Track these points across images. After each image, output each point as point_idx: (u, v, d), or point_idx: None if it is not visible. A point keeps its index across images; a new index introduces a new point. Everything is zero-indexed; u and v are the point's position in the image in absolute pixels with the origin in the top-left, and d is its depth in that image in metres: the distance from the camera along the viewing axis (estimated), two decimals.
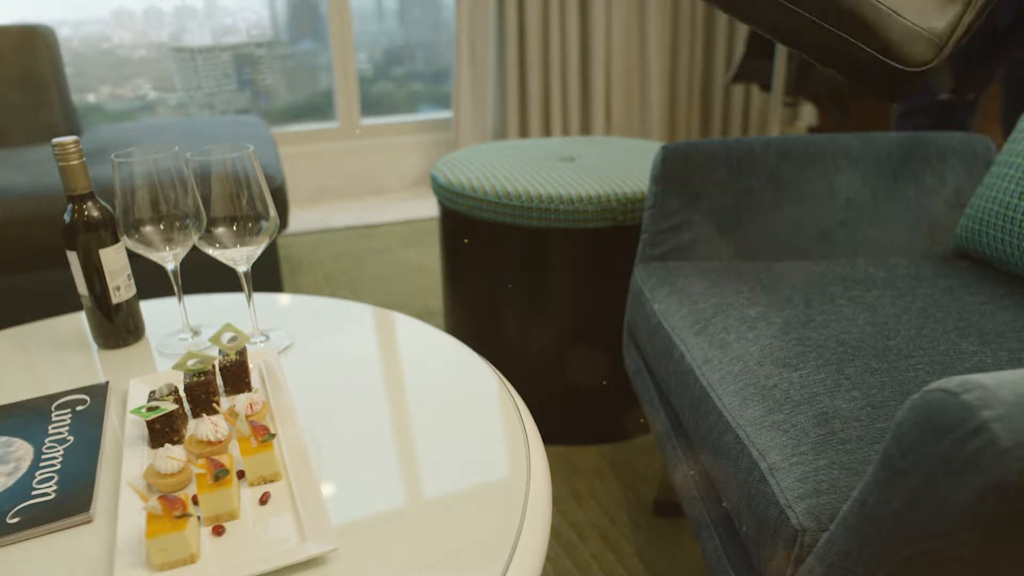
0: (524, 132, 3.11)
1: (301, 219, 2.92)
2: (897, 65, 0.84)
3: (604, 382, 1.45)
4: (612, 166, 1.50)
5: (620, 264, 1.38)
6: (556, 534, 1.27)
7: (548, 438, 1.52)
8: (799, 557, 0.60)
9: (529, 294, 1.41)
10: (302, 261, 2.48)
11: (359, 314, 1.00)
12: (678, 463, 0.91)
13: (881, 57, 0.85)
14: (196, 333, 0.96)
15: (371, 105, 3.32)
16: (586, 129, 3.20)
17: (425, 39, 3.53)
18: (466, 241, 1.42)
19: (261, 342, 0.91)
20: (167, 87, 3.44)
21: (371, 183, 3.20)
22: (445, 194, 1.45)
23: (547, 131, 3.13)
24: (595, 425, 1.50)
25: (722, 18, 3.24)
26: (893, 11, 0.84)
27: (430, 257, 2.47)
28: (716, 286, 1.00)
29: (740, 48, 3.27)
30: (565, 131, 3.13)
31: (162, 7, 3.30)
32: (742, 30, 3.23)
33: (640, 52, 3.17)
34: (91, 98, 3.30)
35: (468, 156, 1.61)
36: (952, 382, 0.47)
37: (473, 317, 1.52)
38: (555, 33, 2.97)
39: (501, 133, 3.13)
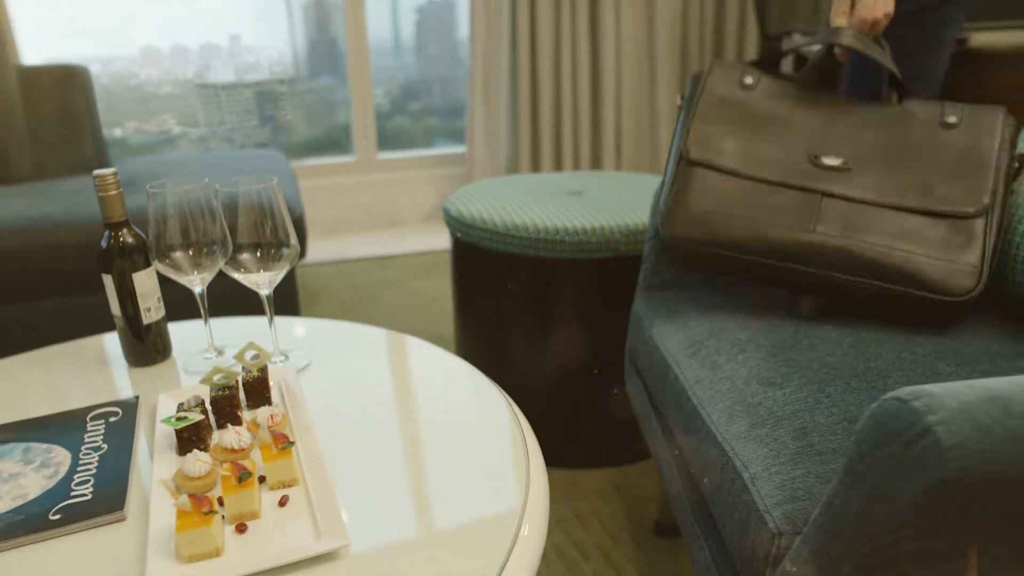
0: (536, 167, 3.19)
1: (318, 250, 3.00)
2: (946, 299, 0.93)
3: (608, 406, 1.50)
4: (618, 199, 1.56)
5: (623, 292, 1.43)
6: (559, 553, 1.31)
7: (554, 461, 1.56)
8: (776, 558, 0.64)
9: (536, 321, 1.47)
10: (319, 290, 2.55)
11: (373, 337, 1.06)
12: (672, 479, 0.95)
13: (930, 296, 0.93)
14: (220, 353, 1.02)
15: (387, 139, 3.42)
16: (597, 163, 3.28)
17: (441, 74, 3.63)
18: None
19: (281, 361, 0.97)
20: (190, 122, 3.55)
21: (387, 215, 3.28)
22: (457, 226, 1.52)
23: (558, 166, 3.21)
24: (600, 448, 1.54)
25: (730, 57, 3.32)
26: (924, 255, 0.93)
27: (442, 287, 2.54)
28: (710, 311, 1.05)
29: None
30: (576, 165, 3.20)
31: (188, 45, 3.42)
32: None
33: (650, 89, 3.25)
34: (117, 132, 3.42)
35: (480, 189, 1.68)
36: (904, 391, 0.52)
37: (482, 343, 1.58)
38: (566, 70, 3.06)
39: (514, 167, 3.21)
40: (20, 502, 0.71)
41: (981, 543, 0.52)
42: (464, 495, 0.70)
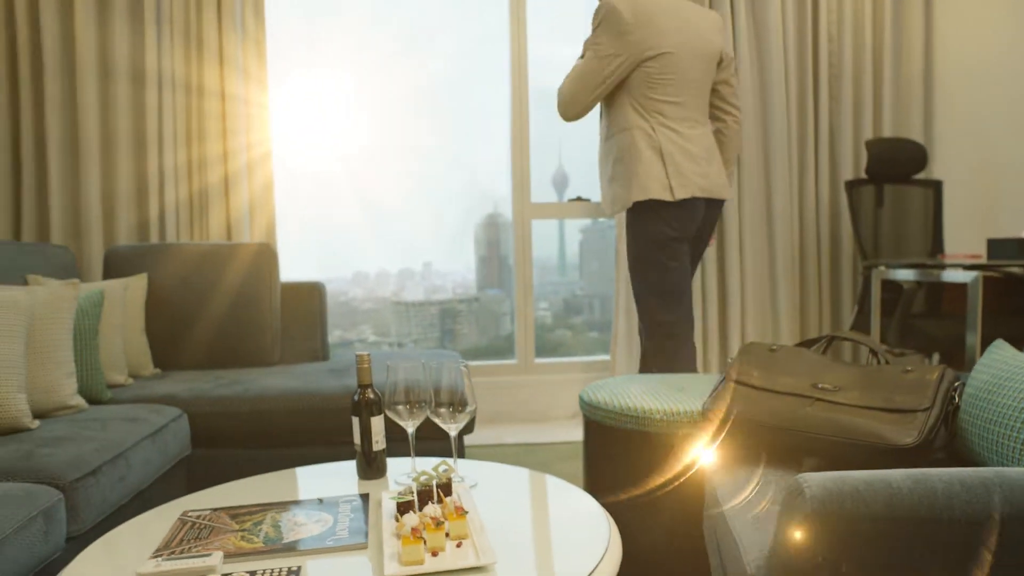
0: None
1: (480, 435, 3.53)
2: (898, 445, 1.37)
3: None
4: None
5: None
6: None
7: None
8: None
9: (645, 485, 1.89)
10: None
11: (523, 474, 1.54)
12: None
13: (884, 444, 1.38)
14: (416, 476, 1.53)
15: (549, 349, 4.01)
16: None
17: (602, 291, 4.26)
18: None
19: (459, 480, 1.47)
20: (384, 332, 4.36)
21: (539, 411, 3.80)
22: (587, 408, 2.01)
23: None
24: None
25: (847, 286, 3.73)
26: (882, 425, 1.39)
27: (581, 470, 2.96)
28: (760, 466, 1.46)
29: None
30: (706, 370, 3.62)
31: (390, 270, 4.29)
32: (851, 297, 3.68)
33: (772, 313, 3.69)
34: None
35: (609, 383, 2.17)
36: (800, 476, 0.94)
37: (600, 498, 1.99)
38: (696, 295, 3.59)
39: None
40: (312, 535, 1.23)
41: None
42: (564, 552, 1.15)
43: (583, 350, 4.11)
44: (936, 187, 3.45)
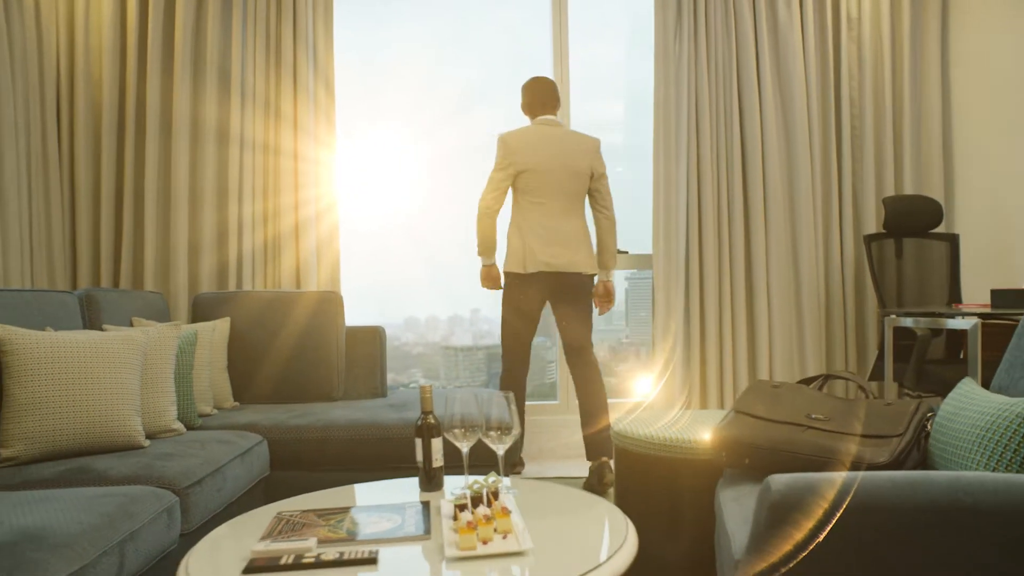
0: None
1: (523, 470, 3.78)
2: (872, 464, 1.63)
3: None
4: None
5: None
6: None
7: None
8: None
9: (665, 500, 2.14)
10: None
11: (557, 488, 1.82)
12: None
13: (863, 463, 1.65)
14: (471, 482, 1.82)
15: None
16: None
17: (648, 338, 4.50)
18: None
19: (504, 489, 1.75)
20: (433, 375, 4.66)
21: (578, 449, 4.04)
22: (617, 437, 2.28)
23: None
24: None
25: (872, 334, 3.94)
26: (862, 448, 1.66)
27: None
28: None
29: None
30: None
31: (439, 316, 4.61)
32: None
33: (799, 357, 3.91)
34: None
35: (639, 417, 2.44)
36: (771, 478, 1.21)
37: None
38: (727, 333, 3.83)
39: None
40: (385, 530, 1.52)
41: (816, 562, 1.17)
42: (587, 544, 1.42)
43: (628, 396, 4.36)
44: (952, 240, 3.67)
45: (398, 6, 4.33)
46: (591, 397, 3.27)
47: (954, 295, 3.62)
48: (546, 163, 3.19)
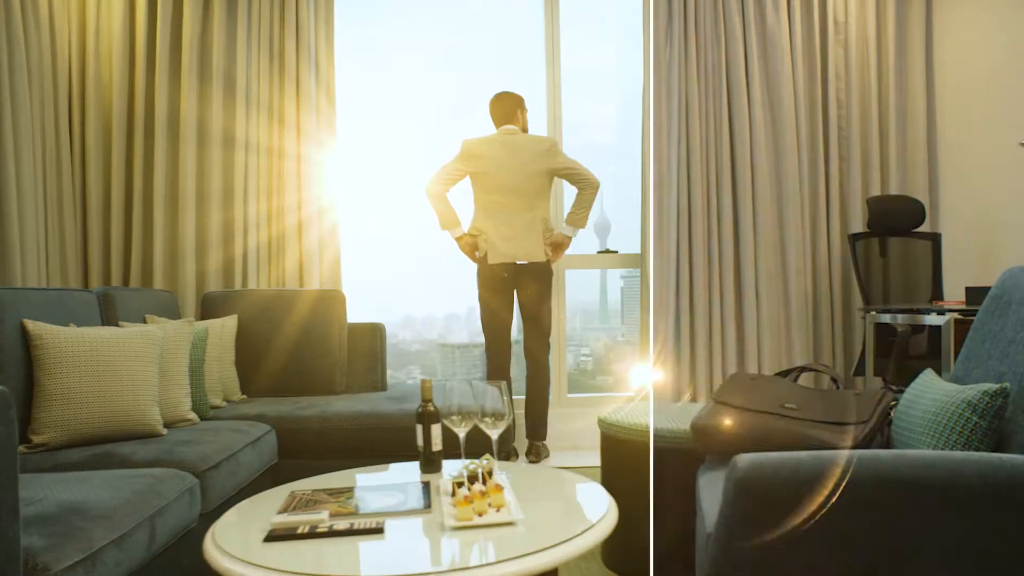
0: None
1: (515, 462, 3.92)
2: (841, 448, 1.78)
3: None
4: None
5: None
6: None
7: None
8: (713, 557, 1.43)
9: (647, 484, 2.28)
10: None
11: (546, 470, 1.96)
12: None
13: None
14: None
15: (592, 390, 4.41)
16: None
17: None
18: (620, 461, 2.34)
19: (497, 469, 1.89)
20: (430, 372, 4.79)
21: (570, 440, 4.18)
22: (603, 425, 2.42)
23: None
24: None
25: (858, 331, 4.08)
26: (826, 436, 1.80)
27: None
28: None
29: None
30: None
31: (436, 314, 4.74)
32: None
33: (787, 353, 4.05)
34: None
35: (624, 407, 2.57)
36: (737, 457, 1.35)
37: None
38: (716, 328, 3.97)
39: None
40: (389, 505, 1.66)
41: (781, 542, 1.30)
42: (571, 516, 1.56)
43: (624, 391, 4.50)
44: (935, 239, 3.81)
45: (397, 9, 4.48)
46: (535, 391, 3.83)
47: (936, 292, 3.76)
48: (503, 166, 3.64)
